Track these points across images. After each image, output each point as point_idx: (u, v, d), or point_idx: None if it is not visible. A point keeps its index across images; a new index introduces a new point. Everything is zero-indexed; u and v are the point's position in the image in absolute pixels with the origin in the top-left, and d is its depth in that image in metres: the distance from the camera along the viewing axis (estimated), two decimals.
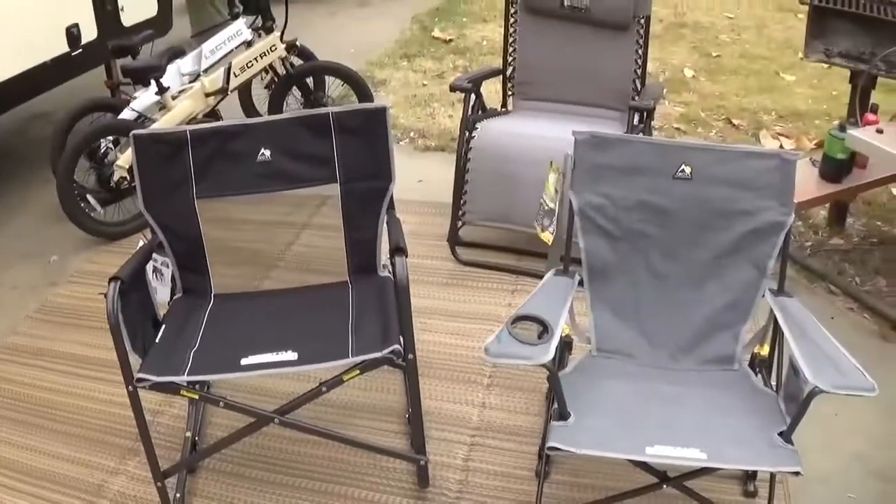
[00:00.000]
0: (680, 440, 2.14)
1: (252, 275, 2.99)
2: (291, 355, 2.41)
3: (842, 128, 3.53)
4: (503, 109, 4.14)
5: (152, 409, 3.01)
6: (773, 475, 2.49)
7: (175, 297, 2.81)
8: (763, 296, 2.52)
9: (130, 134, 2.67)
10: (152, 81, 4.28)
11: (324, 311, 2.72)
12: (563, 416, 2.23)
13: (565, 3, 3.83)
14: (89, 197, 4.18)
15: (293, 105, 5.08)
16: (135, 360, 2.38)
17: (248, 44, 4.78)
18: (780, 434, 2.16)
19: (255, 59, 4.73)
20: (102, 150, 4.22)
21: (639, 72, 3.83)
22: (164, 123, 4.26)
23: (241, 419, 2.59)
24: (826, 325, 2.27)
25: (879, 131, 3.28)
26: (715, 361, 2.56)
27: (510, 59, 4.07)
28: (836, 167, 3.62)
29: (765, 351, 2.53)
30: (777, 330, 2.43)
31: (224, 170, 2.74)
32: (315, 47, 5.20)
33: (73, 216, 4.08)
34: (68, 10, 4.61)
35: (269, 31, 4.82)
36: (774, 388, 2.43)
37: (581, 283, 2.62)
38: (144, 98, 4.39)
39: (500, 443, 2.90)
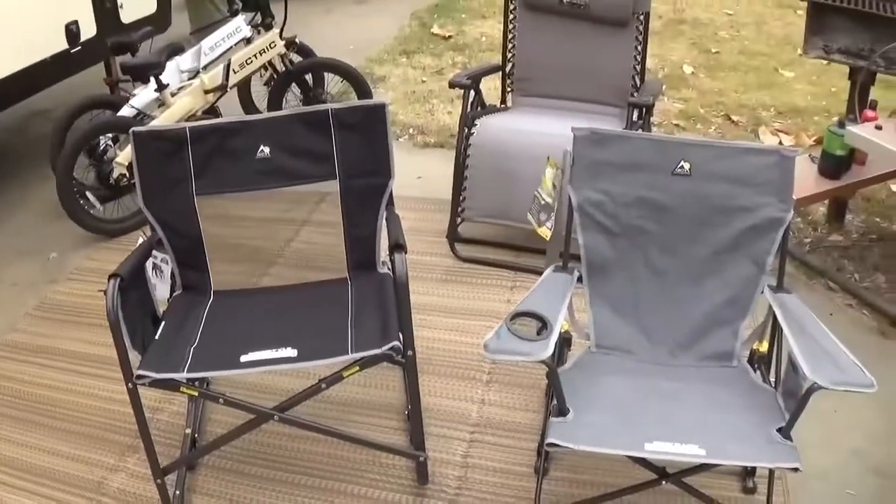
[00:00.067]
0: (679, 436, 2.14)
1: (251, 271, 2.99)
2: (291, 352, 2.41)
3: (841, 124, 3.53)
4: (502, 106, 4.14)
5: (152, 406, 3.02)
6: (771, 471, 2.50)
7: (174, 294, 2.81)
8: (762, 292, 2.52)
9: (130, 131, 2.67)
10: (151, 78, 4.28)
11: (323, 307, 2.72)
12: (562, 412, 2.24)
13: (564, 0, 3.83)
14: (89, 194, 4.18)
15: (292, 102, 5.08)
16: (134, 357, 2.38)
17: (248, 41, 4.78)
18: (779, 430, 2.16)
19: (255, 55, 4.73)
20: (102, 148, 4.22)
21: (638, 68, 3.83)
22: (163, 120, 4.26)
23: (240, 416, 2.59)
24: (825, 321, 2.27)
25: (878, 128, 3.28)
26: (714, 358, 2.56)
27: (509, 55, 4.07)
28: (835, 164, 3.62)
29: (764, 347, 2.53)
30: (776, 326, 2.44)
31: (223, 167, 2.74)
32: (314, 44, 5.20)
33: (72, 213, 4.08)
34: (68, 8, 4.61)
35: (268, 27, 4.82)
36: (773, 385, 2.43)
37: (580, 279, 2.62)
38: (144, 95, 4.38)
39: (499, 439, 2.90)
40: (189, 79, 4.56)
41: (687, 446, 2.10)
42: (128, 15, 5.05)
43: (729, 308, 2.56)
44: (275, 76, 4.95)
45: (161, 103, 4.38)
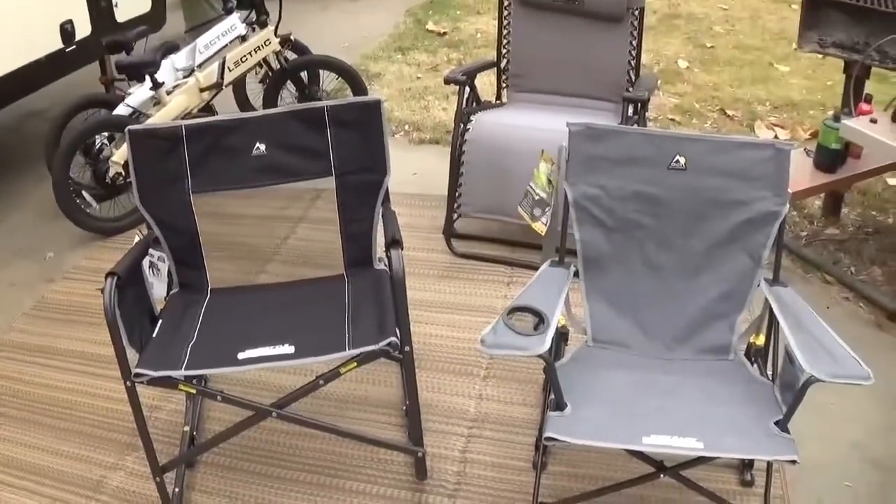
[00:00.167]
0: (676, 429, 2.14)
1: (248, 269, 3.00)
2: (288, 349, 2.41)
3: (836, 118, 3.54)
4: (497, 102, 4.14)
5: (150, 405, 3.02)
6: (769, 464, 2.50)
7: (172, 292, 2.81)
8: (758, 286, 2.53)
9: (126, 129, 2.66)
10: (147, 77, 4.28)
11: (320, 304, 2.72)
12: (559, 406, 2.24)
13: None
14: (85, 193, 4.18)
15: (288, 99, 5.08)
16: (132, 356, 2.38)
17: (243, 38, 4.78)
18: (777, 423, 2.17)
19: (250, 53, 4.73)
20: (97, 147, 4.22)
21: (633, 63, 3.83)
22: (158, 119, 4.26)
23: (238, 413, 2.59)
24: (821, 314, 2.28)
25: (873, 121, 3.29)
26: (711, 351, 2.57)
27: (504, 51, 4.07)
28: (830, 157, 3.63)
29: (760, 340, 2.54)
30: (772, 319, 2.44)
31: (219, 164, 2.74)
32: (309, 41, 5.20)
33: (68, 213, 4.08)
34: (62, 7, 4.60)
35: (263, 25, 4.82)
36: (770, 378, 2.44)
37: (576, 273, 2.63)
38: (139, 94, 4.38)
39: (497, 434, 2.91)
40: (184, 77, 4.56)
41: (685, 439, 2.11)
42: (122, 14, 5.05)
43: (725, 302, 2.57)
44: (270, 74, 4.96)
45: (156, 102, 4.38)
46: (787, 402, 2.19)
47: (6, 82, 4.25)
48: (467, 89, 3.84)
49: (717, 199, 2.52)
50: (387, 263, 2.56)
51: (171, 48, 4.66)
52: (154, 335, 2.55)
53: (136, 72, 4.30)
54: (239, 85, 5.00)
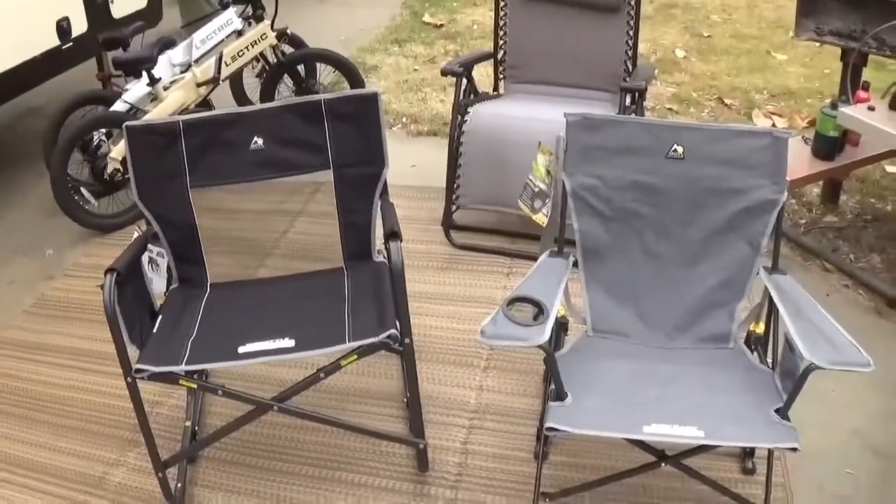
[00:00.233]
0: (677, 418, 2.15)
1: (247, 263, 3.00)
2: (289, 342, 2.41)
3: (834, 106, 3.54)
4: (495, 93, 4.14)
5: (151, 400, 3.02)
6: (770, 452, 2.50)
7: (171, 288, 2.81)
8: (757, 274, 2.53)
9: (123, 125, 2.66)
10: (144, 73, 4.28)
11: (320, 297, 2.72)
12: (560, 396, 2.24)
13: None
14: (83, 190, 4.18)
15: (285, 93, 5.08)
16: (133, 352, 2.38)
17: (239, 33, 4.78)
18: (777, 411, 2.17)
19: (246, 47, 4.73)
20: (95, 143, 4.22)
21: (630, 53, 3.83)
22: (156, 114, 4.26)
23: (239, 408, 2.60)
24: (821, 301, 2.28)
25: (871, 108, 3.29)
26: (711, 340, 2.57)
27: (501, 42, 4.06)
28: (828, 145, 3.63)
29: (760, 328, 2.54)
30: (772, 307, 2.44)
31: (217, 159, 2.74)
32: (305, 35, 5.19)
33: (67, 209, 4.08)
34: (58, 4, 4.59)
35: (259, 19, 4.82)
36: (770, 366, 2.44)
37: (576, 263, 2.63)
38: (136, 90, 4.38)
39: (498, 425, 2.91)
40: (181, 72, 4.56)
41: (685, 428, 2.11)
42: (118, 10, 5.05)
43: (724, 290, 2.57)
44: (267, 68, 4.95)
45: (153, 97, 4.38)
46: (787, 389, 2.19)
47: (3, 80, 4.25)
48: (464, 81, 3.84)
49: (716, 187, 2.52)
50: (386, 256, 2.56)
51: (167, 44, 4.65)
52: (154, 331, 2.55)
53: (133, 68, 4.29)
54: (236, 79, 4.99)
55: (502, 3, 4.00)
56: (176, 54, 4.58)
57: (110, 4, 4.97)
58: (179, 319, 2.63)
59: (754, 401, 2.25)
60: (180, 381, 2.43)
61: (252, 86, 5.10)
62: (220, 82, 4.66)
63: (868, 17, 3.55)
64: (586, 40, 3.88)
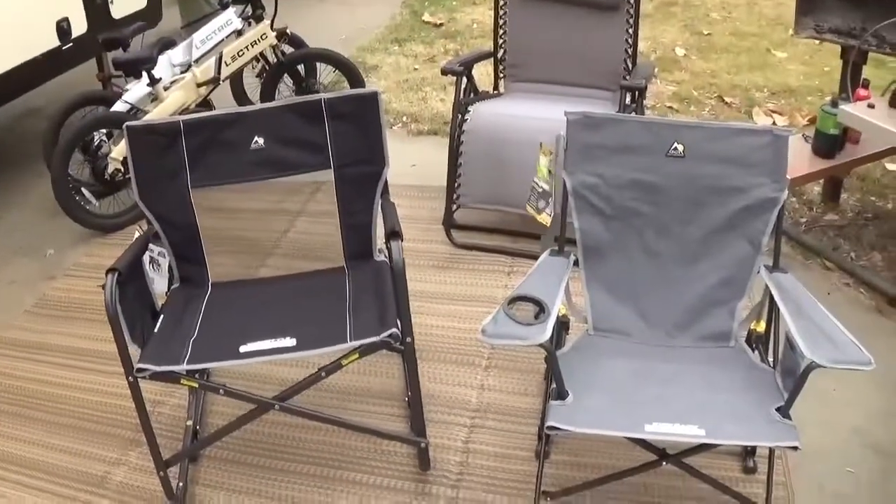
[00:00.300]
0: (678, 417, 2.15)
1: (249, 263, 3.01)
2: (290, 341, 2.42)
3: (834, 103, 3.54)
4: (495, 92, 4.14)
5: (153, 400, 3.02)
6: (771, 450, 2.50)
7: (172, 287, 2.81)
8: (758, 272, 2.53)
9: (124, 125, 2.67)
10: (144, 73, 4.28)
11: (321, 296, 2.73)
12: (561, 395, 2.24)
13: None
14: (84, 190, 4.18)
15: (285, 93, 5.08)
16: (134, 351, 2.38)
17: (239, 33, 4.78)
18: (778, 409, 2.17)
19: (246, 47, 4.73)
20: (96, 143, 4.22)
21: (630, 51, 3.83)
22: (156, 114, 4.26)
23: (241, 407, 2.60)
24: (822, 300, 2.27)
25: (871, 106, 3.29)
26: (711, 338, 2.57)
27: (501, 41, 4.06)
28: (828, 143, 3.63)
29: (761, 327, 2.54)
30: (773, 306, 2.44)
31: (218, 159, 2.74)
32: (305, 34, 5.19)
33: (68, 210, 4.08)
34: (58, 5, 4.60)
35: (259, 19, 4.82)
36: (771, 364, 2.44)
37: (576, 262, 2.63)
38: (136, 90, 4.38)
39: (499, 424, 2.91)
40: (181, 72, 4.56)
41: (686, 427, 2.11)
42: (118, 10, 5.05)
43: (725, 288, 2.57)
44: (267, 68, 4.96)
45: (154, 98, 4.38)
46: (788, 388, 2.19)
47: (3, 81, 4.25)
48: (465, 80, 3.84)
49: (716, 185, 2.52)
50: (387, 255, 2.56)
51: (167, 44, 4.66)
52: (155, 330, 2.55)
53: (133, 68, 4.29)
54: (236, 79, 5.00)
55: (502, 2, 4.00)
56: (176, 54, 4.59)
57: (110, 5, 4.97)
58: (181, 319, 2.63)
59: (755, 399, 2.25)
60: (182, 381, 2.43)
61: (252, 86, 5.10)
62: (221, 82, 4.66)
63: (868, 14, 3.55)
64: (586, 39, 3.88)
